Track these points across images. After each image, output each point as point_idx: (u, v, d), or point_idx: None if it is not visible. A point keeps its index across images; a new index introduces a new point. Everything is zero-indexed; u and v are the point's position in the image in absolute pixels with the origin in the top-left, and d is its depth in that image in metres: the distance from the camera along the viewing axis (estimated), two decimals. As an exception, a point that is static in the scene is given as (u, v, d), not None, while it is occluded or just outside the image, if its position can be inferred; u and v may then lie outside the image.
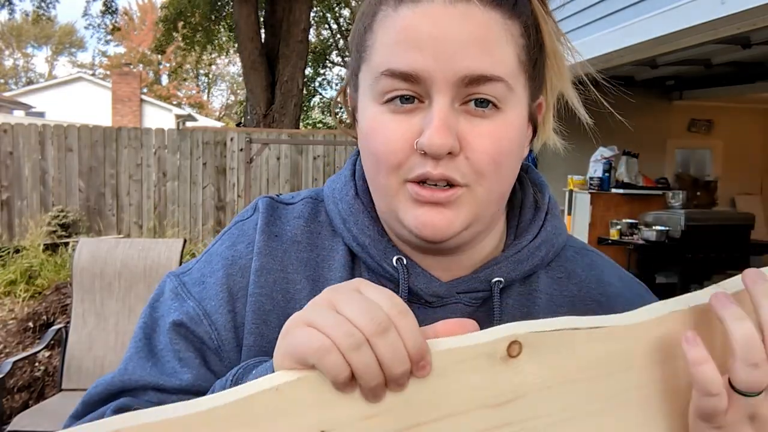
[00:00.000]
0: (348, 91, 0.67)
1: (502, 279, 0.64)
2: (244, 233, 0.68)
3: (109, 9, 14.80)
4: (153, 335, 0.66)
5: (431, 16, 0.55)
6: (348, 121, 0.70)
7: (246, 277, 0.65)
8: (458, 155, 0.56)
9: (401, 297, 0.61)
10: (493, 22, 0.56)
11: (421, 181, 0.57)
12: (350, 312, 0.45)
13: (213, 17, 16.55)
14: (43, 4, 14.16)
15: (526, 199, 0.70)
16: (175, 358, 0.63)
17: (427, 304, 0.64)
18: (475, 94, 0.56)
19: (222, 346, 0.64)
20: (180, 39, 17.20)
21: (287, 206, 0.70)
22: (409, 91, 0.56)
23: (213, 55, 18.52)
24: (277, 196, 0.72)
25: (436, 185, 0.57)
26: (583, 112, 0.65)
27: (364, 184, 0.67)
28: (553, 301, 0.67)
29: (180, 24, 16.47)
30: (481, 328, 0.63)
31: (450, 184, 0.57)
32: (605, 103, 0.69)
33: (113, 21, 15.47)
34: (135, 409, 0.61)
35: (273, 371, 0.48)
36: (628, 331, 0.52)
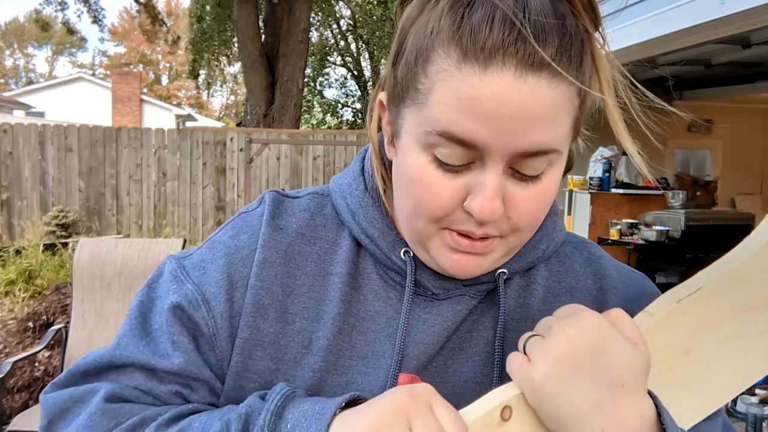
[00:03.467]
0: (381, 97, 0.64)
1: (506, 271, 0.66)
2: (248, 224, 0.68)
3: (96, 20, 14.70)
4: (149, 315, 0.66)
5: (500, 91, 0.51)
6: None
7: (247, 267, 0.65)
8: (501, 216, 0.57)
9: (408, 290, 0.64)
10: (558, 95, 0.53)
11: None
12: None
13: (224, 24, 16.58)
14: (91, 11, 14.11)
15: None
16: (169, 340, 0.63)
17: (433, 296, 0.65)
18: (527, 168, 0.55)
19: (216, 335, 0.64)
20: (209, 55, 17.27)
21: (293, 200, 0.70)
22: (461, 160, 0.55)
23: (221, 59, 18.60)
24: (283, 190, 0.72)
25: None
26: (629, 141, 0.63)
27: (373, 180, 0.68)
28: (550, 293, 0.69)
29: (205, 48, 16.56)
30: (487, 319, 0.67)
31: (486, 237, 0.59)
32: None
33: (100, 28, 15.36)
34: (126, 400, 0.62)
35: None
36: None
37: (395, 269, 0.66)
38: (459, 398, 0.60)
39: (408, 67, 0.57)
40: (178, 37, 17.44)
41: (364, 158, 0.71)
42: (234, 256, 0.66)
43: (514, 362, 0.56)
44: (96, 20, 14.14)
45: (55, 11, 14.27)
